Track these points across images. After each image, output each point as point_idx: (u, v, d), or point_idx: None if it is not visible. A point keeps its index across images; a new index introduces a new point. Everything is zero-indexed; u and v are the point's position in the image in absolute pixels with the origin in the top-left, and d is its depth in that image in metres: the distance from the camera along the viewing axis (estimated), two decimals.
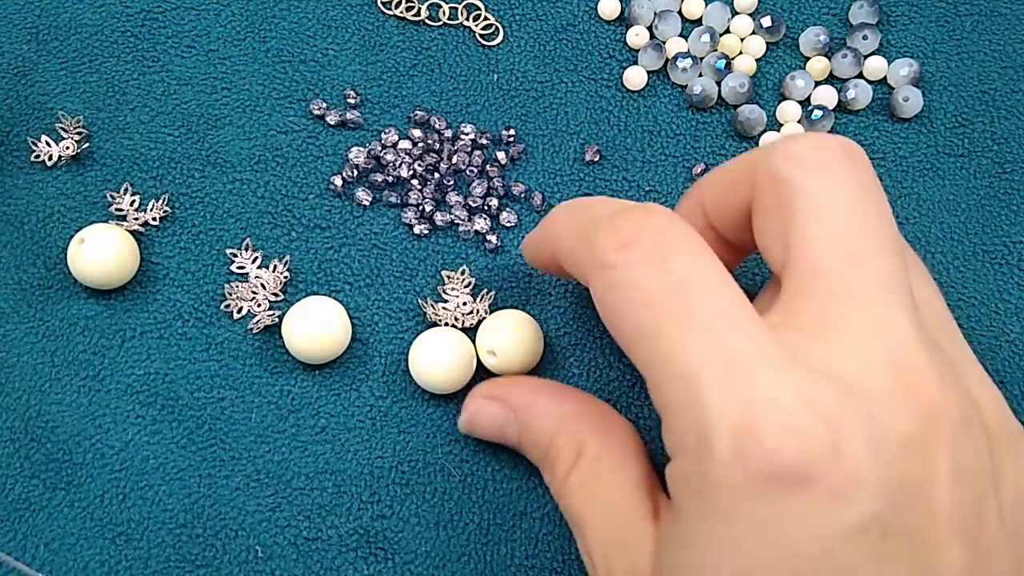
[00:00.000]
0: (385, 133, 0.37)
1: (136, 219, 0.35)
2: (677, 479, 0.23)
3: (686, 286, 0.23)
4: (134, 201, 0.35)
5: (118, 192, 0.36)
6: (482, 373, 0.34)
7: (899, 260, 0.25)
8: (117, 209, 0.35)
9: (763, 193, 0.26)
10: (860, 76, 0.38)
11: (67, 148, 0.36)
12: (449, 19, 0.39)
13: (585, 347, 0.34)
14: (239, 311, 0.35)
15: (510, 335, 0.33)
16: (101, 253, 0.34)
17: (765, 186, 0.26)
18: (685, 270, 0.24)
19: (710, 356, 0.22)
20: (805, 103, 0.38)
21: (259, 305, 0.35)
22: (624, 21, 0.39)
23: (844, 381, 0.22)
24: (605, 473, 0.27)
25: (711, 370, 0.22)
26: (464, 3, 0.39)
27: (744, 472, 0.21)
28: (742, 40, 0.38)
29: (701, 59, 0.38)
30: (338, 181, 0.36)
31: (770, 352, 0.22)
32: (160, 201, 0.36)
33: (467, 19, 0.39)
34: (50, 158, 0.36)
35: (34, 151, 0.36)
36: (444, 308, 0.34)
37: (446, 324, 0.34)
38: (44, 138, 0.36)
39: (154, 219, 0.35)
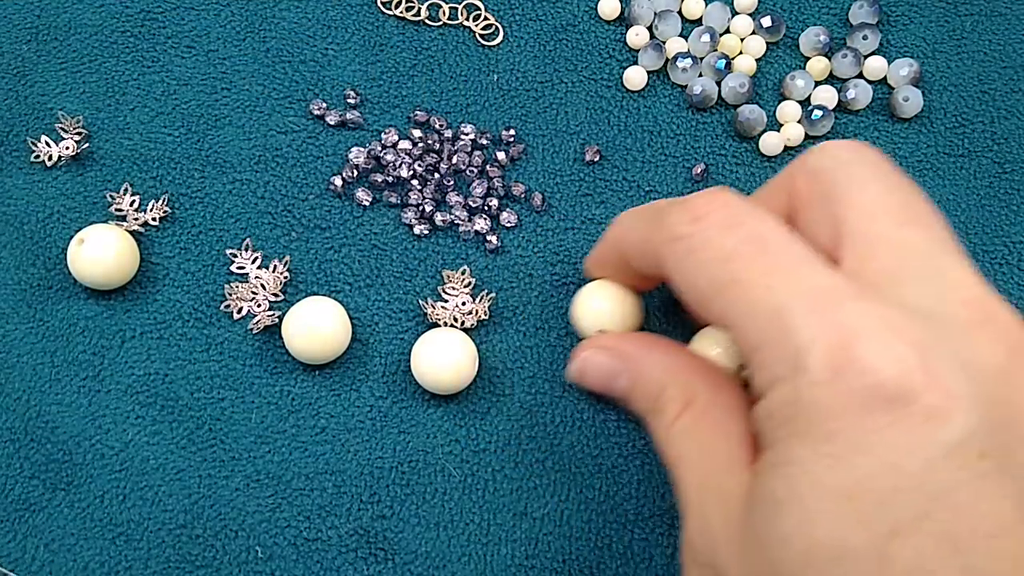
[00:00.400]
0: (385, 133, 0.37)
1: (136, 219, 0.35)
2: (771, 409, 0.24)
3: (762, 239, 0.24)
4: (134, 201, 0.35)
5: (118, 192, 0.36)
6: (484, 373, 0.34)
7: (948, 227, 0.26)
8: (117, 209, 0.35)
9: (804, 189, 0.27)
10: (860, 76, 0.38)
11: (67, 148, 0.36)
12: (449, 19, 0.39)
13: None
14: (239, 311, 0.35)
15: (614, 308, 0.33)
16: (101, 253, 0.34)
17: (806, 182, 0.27)
18: (758, 228, 0.25)
19: (795, 291, 0.23)
20: (805, 103, 0.38)
21: (259, 305, 0.35)
22: (624, 21, 0.39)
23: (923, 311, 0.23)
24: (711, 422, 0.27)
25: (798, 302, 0.23)
26: (464, 3, 0.39)
27: (842, 390, 0.22)
28: (742, 40, 0.38)
29: (701, 59, 0.38)
30: (338, 181, 0.36)
31: (852, 287, 0.23)
32: (160, 201, 0.36)
33: (467, 19, 0.39)
34: (50, 158, 0.36)
35: (34, 151, 0.36)
36: (444, 308, 0.34)
37: (446, 324, 0.34)
38: (44, 138, 0.36)
39: (154, 219, 0.35)
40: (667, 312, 0.35)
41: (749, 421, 0.28)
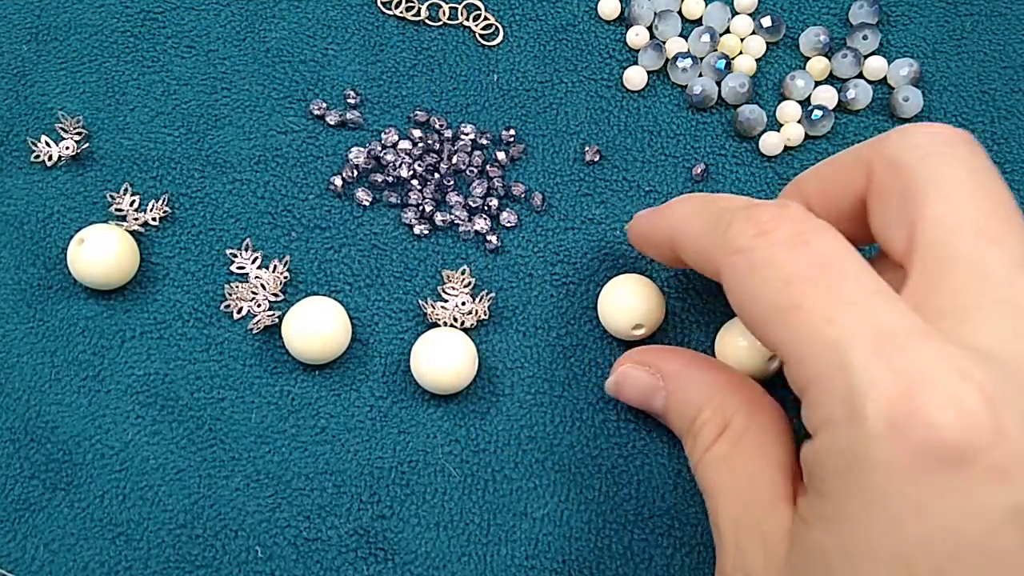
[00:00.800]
0: (385, 133, 0.37)
1: (136, 219, 0.35)
2: (822, 455, 0.22)
3: (829, 263, 0.23)
4: (134, 201, 0.35)
5: (118, 192, 0.36)
6: (484, 373, 0.34)
7: None
8: (117, 209, 0.35)
9: (882, 179, 0.26)
10: (860, 76, 0.38)
11: (67, 148, 0.36)
12: (449, 19, 0.39)
13: (586, 348, 0.34)
14: (239, 311, 0.35)
15: (643, 301, 0.33)
16: (101, 253, 0.34)
17: (883, 172, 0.26)
18: (827, 250, 0.23)
19: (859, 328, 0.22)
20: (805, 103, 0.38)
21: (259, 305, 0.35)
22: (624, 21, 0.39)
23: (995, 357, 0.22)
24: (748, 449, 0.26)
25: (861, 341, 0.21)
26: (464, 3, 0.39)
27: (901, 447, 0.20)
28: (742, 40, 0.38)
29: (701, 59, 0.38)
30: (338, 181, 0.36)
31: (920, 326, 0.22)
32: (160, 201, 0.36)
33: (467, 19, 0.39)
34: (50, 158, 0.36)
35: (34, 151, 0.36)
36: (444, 308, 0.34)
37: (446, 324, 0.34)
38: (44, 138, 0.36)
39: (154, 219, 0.35)
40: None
41: (790, 448, 0.27)
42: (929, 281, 0.24)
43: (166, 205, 0.36)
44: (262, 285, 0.35)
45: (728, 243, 0.25)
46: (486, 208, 0.36)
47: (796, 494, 0.25)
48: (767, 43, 0.38)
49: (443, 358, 0.32)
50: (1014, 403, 0.21)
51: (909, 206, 0.25)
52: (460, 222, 0.36)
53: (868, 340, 0.21)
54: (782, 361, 0.24)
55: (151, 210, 0.36)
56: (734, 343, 0.32)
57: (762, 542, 0.25)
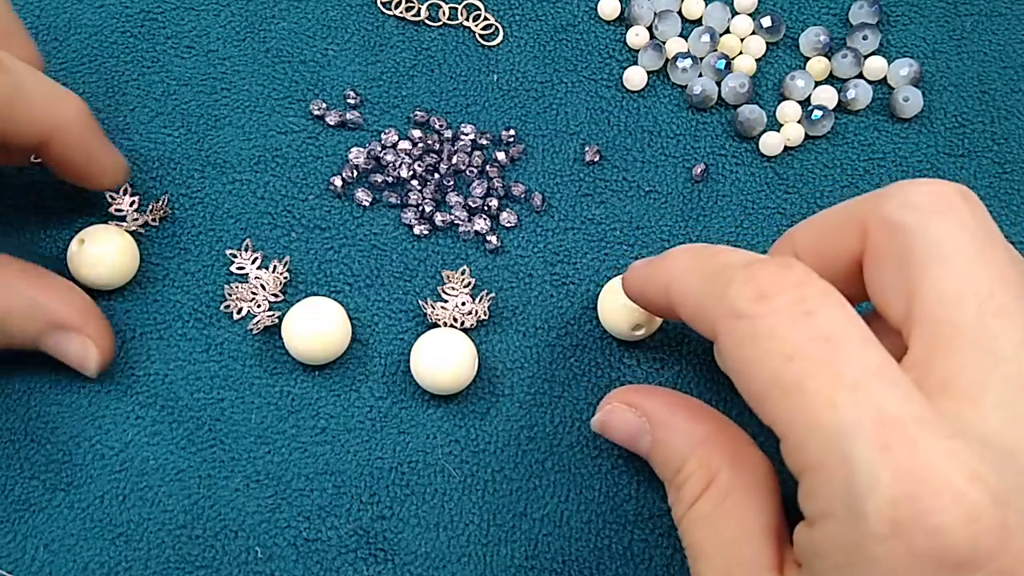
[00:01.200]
0: (385, 133, 0.37)
1: (136, 219, 0.35)
2: (821, 546, 0.22)
3: (833, 339, 0.22)
4: (133, 202, 0.35)
5: (118, 193, 0.36)
6: (484, 373, 0.34)
7: None
8: (117, 209, 0.35)
9: (879, 242, 0.25)
10: (860, 76, 0.38)
11: None
12: (449, 19, 0.39)
13: (586, 348, 0.34)
14: (239, 312, 0.35)
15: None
16: (101, 253, 0.34)
17: (881, 234, 0.25)
18: (830, 324, 0.22)
19: (863, 416, 0.21)
20: (805, 103, 0.38)
21: (259, 306, 0.35)
22: (624, 21, 0.39)
23: (1004, 448, 0.21)
24: (733, 508, 0.26)
25: (864, 431, 0.20)
26: (464, 3, 0.39)
27: (903, 549, 0.20)
28: (742, 40, 0.38)
29: (701, 59, 0.38)
30: (338, 182, 0.36)
31: (926, 416, 0.21)
32: (160, 202, 0.36)
33: (467, 19, 0.39)
34: None
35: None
36: (444, 308, 0.34)
37: (446, 324, 0.34)
38: None
39: (153, 220, 0.35)
40: None
41: (777, 510, 0.26)
42: (931, 354, 0.23)
43: (166, 205, 0.36)
44: (262, 285, 0.35)
45: (727, 304, 0.24)
46: (486, 208, 0.36)
47: (783, 562, 0.25)
48: (767, 43, 0.38)
49: (443, 358, 0.32)
50: (1022, 501, 0.20)
51: (908, 272, 0.24)
52: (460, 222, 0.36)
53: (871, 430, 0.21)
54: (779, 438, 0.23)
55: (151, 211, 0.36)
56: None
57: None
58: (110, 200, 0.36)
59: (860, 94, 0.37)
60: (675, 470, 0.27)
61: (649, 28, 0.39)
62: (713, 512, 0.26)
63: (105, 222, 0.35)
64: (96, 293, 0.35)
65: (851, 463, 0.20)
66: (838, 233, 0.26)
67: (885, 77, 0.38)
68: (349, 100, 0.37)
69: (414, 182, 0.36)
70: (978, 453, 0.20)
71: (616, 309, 0.33)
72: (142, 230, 0.35)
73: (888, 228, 0.24)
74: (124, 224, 0.35)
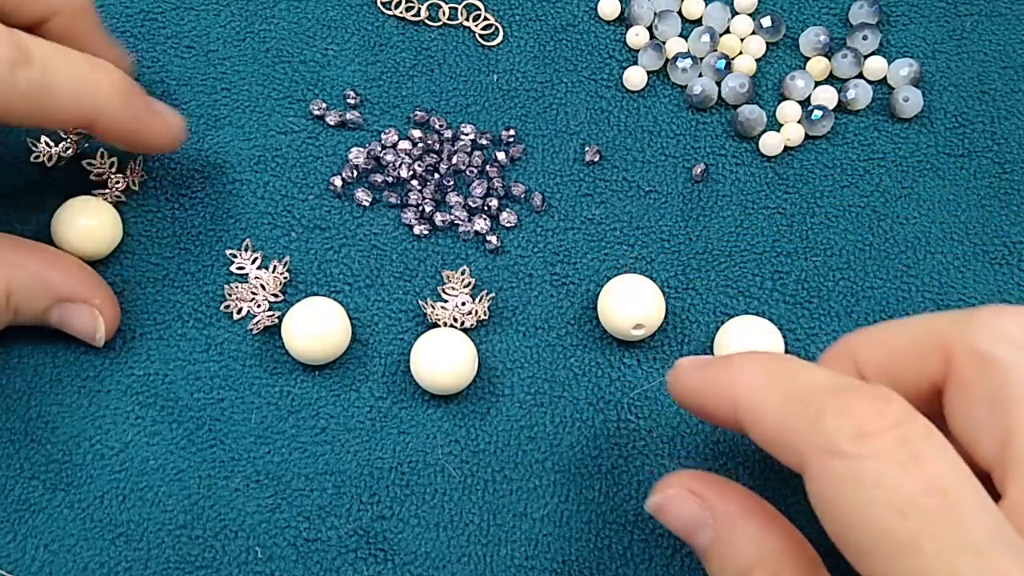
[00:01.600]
0: (385, 133, 0.37)
1: (117, 183, 0.35)
2: None
3: (948, 494, 0.20)
4: (113, 163, 0.35)
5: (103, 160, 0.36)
6: (484, 373, 0.34)
7: None
8: (97, 174, 0.35)
9: (966, 374, 0.23)
10: (860, 76, 0.38)
11: (67, 149, 0.36)
12: (449, 19, 0.39)
13: (586, 348, 0.34)
14: (239, 312, 0.35)
15: (643, 301, 0.33)
16: (85, 224, 0.34)
17: (970, 366, 0.23)
18: (943, 474, 0.21)
19: None
20: (805, 103, 0.38)
21: (259, 306, 0.35)
22: (624, 21, 0.39)
23: None
24: None
25: None
26: (464, 3, 0.39)
27: None
28: (742, 40, 0.38)
29: (701, 59, 0.38)
30: (338, 182, 0.36)
31: None
32: (135, 162, 0.36)
33: (467, 19, 0.39)
34: (50, 158, 0.36)
35: (34, 151, 0.36)
36: (444, 308, 0.34)
37: (446, 324, 0.34)
38: (44, 138, 0.36)
39: (133, 184, 0.36)
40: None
41: None
42: None
43: (141, 168, 0.36)
44: (262, 285, 0.35)
45: (821, 439, 0.22)
46: (486, 208, 0.36)
47: None
48: (767, 43, 0.38)
49: (443, 358, 0.32)
50: None
51: (1005, 413, 0.22)
52: (460, 222, 0.36)
53: None
54: None
55: (130, 173, 0.36)
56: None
57: None
58: (87, 167, 0.35)
59: (860, 94, 0.37)
60: (741, 574, 0.26)
61: (649, 28, 0.39)
62: None
63: (90, 192, 0.35)
64: None
65: None
66: (914, 355, 0.25)
67: (885, 77, 0.38)
68: (349, 100, 0.37)
69: (414, 182, 0.36)
70: None
71: (617, 309, 0.33)
72: (123, 198, 0.35)
73: (978, 360, 0.23)
74: (105, 193, 0.35)
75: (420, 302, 0.35)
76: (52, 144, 0.36)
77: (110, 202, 0.35)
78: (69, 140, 0.36)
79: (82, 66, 0.30)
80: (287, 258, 0.35)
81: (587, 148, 0.37)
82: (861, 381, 0.23)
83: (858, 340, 0.27)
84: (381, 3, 0.39)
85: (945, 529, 0.20)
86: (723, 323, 0.34)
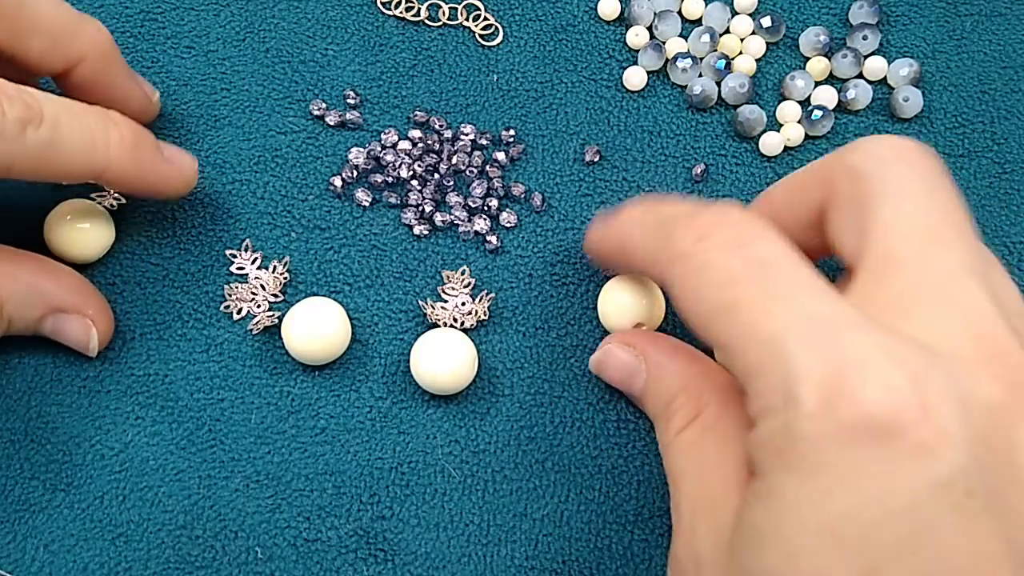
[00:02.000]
0: (385, 134, 0.37)
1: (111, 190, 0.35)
2: (764, 439, 0.23)
3: (765, 263, 0.24)
4: None
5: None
6: (484, 373, 0.34)
7: (977, 247, 0.25)
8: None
9: (840, 187, 0.27)
10: (860, 76, 0.38)
11: None
12: (449, 19, 0.39)
13: (586, 348, 0.34)
14: (239, 312, 0.35)
15: (643, 300, 0.33)
16: (79, 228, 0.34)
17: (843, 180, 0.26)
18: (763, 251, 0.24)
19: (793, 318, 0.23)
20: (805, 103, 0.38)
21: (259, 306, 0.35)
22: (624, 21, 0.39)
23: (929, 347, 0.22)
24: (715, 439, 0.27)
25: (795, 330, 0.22)
26: (464, 3, 0.39)
27: (831, 423, 0.21)
28: (742, 40, 0.38)
29: (701, 59, 0.38)
30: (338, 182, 0.36)
31: (853, 315, 0.23)
32: None
33: (467, 19, 0.39)
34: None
35: None
36: (444, 308, 0.34)
37: (446, 324, 0.34)
38: None
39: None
40: None
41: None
42: (874, 281, 0.25)
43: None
44: (262, 286, 0.35)
45: (671, 249, 0.26)
46: (486, 208, 0.36)
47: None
48: (767, 43, 0.38)
49: (443, 359, 0.32)
50: (940, 385, 0.22)
51: (863, 213, 0.25)
52: (460, 222, 0.36)
53: (803, 330, 0.22)
54: (728, 362, 0.25)
55: None
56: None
57: (714, 526, 0.25)
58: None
59: (860, 94, 0.37)
60: (665, 402, 0.29)
61: (649, 28, 0.39)
62: (697, 438, 0.28)
63: (88, 194, 0.35)
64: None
65: (786, 359, 0.22)
66: (806, 186, 0.28)
67: (885, 77, 0.38)
68: (349, 100, 0.37)
69: (414, 182, 0.36)
70: (903, 344, 0.22)
71: (617, 308, 0.33)
72: (122, 198, 0.35)
73: (850, 174, 0.26)
74: (104, 195, 0.35)
75: (420, 302, 0.35)
76: None
77: (109, 203, 0.35)
78: None
79: (91, 122, 0.30)
80: (287, 258, 0.35)
81: (587, 148, 0.37)
82: (714, 204, 0.26)
83: (774, 186, 0.30)
84: (381, 3, 0.39)
85: (760, 286, 0.23)
86: None
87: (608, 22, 0.39)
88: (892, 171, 0.26)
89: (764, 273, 0.24)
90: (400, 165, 0.36)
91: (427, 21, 0.39)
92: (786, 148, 0.37)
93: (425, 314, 0.34)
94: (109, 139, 0.30)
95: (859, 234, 0.25)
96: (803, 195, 0.28)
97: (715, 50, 0.38)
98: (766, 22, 0.38)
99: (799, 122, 0.37)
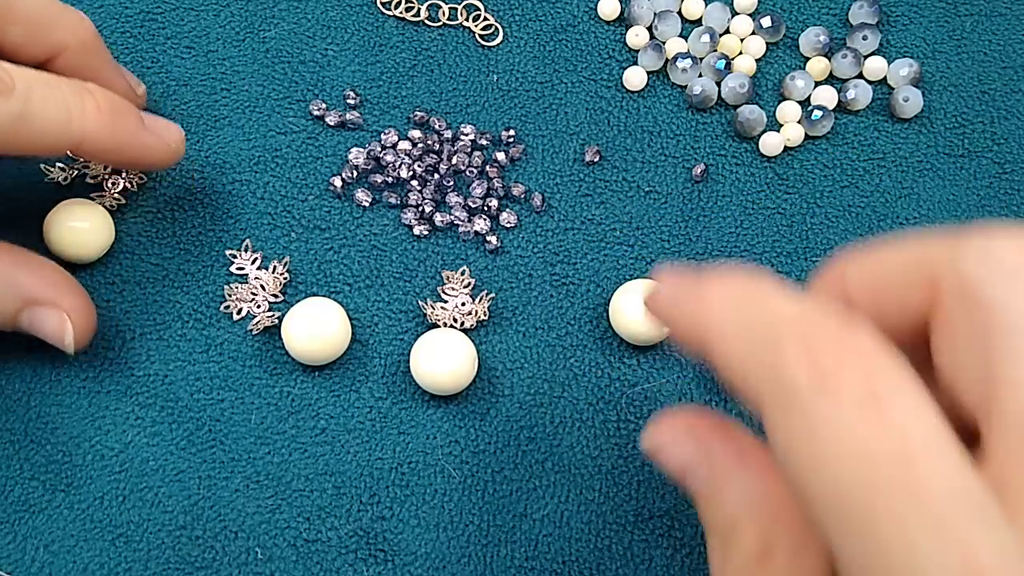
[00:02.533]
0: (385, 134, 0.37)
1: (115, 184, 0.35)
2: None
3: (911, 450, 0.18)
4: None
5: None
6: (483, 374, 0.34)
7: None
8: (92, 176, 0.35)
9: (951, 310, 0.21)
10: (860, 76, 0.38)
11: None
12: (449, 19, 0.39)
13: (586, 348, 0.34)
14: (239, 312, 0.35)
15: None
16: (77, 227, 0.34)
17: (955, 298, 0.21)
18: (907, 425, 0.18)
19: (947, 563, 0.17)
20: (805, 103, 0.38)
21: (259, 306, 0.35)
22: (624, 21, 0.39)
23: None
24: None
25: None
26: (464, 3, 0.39)
27: None
28: (742, 40, 0.38)
29: (701, 59, 0.38)
30: (338, 182, 0.36)
31: (1014, 565, 0.17)
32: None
33: (467, 19, 0.39)
34: (65, 179, 0.36)
35: (49, 174, 0.36)
36: (444, 309, 0.34)
37: (446, 325, 0.34)
38: (58, 164, 0.36)
39: (132, 185, 0.36)
40: None
41: None
42: (1016, 462, 0.19)
43: (138, 179, 0.36)
44: (262, 286, 0.35)
45: (781, 380, 0.20)
46: (486, 208, 0.36)
47: None
48: (767, 43, 0.38)
49: (443, 359, 0.32)
50: None
51: (988, 355, 0.20)
52: (460, 223, 0.36)
53: None
54: (833, 553, 0.19)
55: (128, 174, 0.36)
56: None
57: None
58: (84, 169, 0.36)
59: (860, 94, 0.37)
60: (727, 524, 0.24)
61: (649, 28, 0.39)
62: None
63: (88, 195, 0.35)
64: (96, 293, 0.35)
65: None
66: (902, 283, 0.22)
67: (885, 77, 0.38)
68: (349, 100, 0.37)
69: (414, 182, 0.36)
70: None
71: (635, 313, 0.33)
72: (122, 198, 0.35)
73: (965, 292, 0.20)
74: (103, 195, 0.35)
75: (420, 302, 0.35)
76: (65, 167, 0.36)
77: (108, 204, 0.35)
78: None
79: (65, 92, 0.30)
80: (287, 258, 0.35)
81: (587, 148, 0.37)
82: (830, 307, 0.21)
83: (850, 263, 0.24)
84: (381, 3, 0.39)
85: (904, 490, 0.18)
86: None
87: (608, 22, 0.39)
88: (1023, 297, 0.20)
89: (909, 469, 0.18)
90: (400, 165, 0.36)
91: (427, 21, 0.39)
92: (786, 148, 0.37)
93: (425, 314, 0.34)
94: (85, 109, 0.30)
95: (984, 382, 0.20)
96: (898, 294, 0.22)
97: (715, 50, 0.38)
98: (766, 22, 0.38)
99: (799, 122, 0.37)
